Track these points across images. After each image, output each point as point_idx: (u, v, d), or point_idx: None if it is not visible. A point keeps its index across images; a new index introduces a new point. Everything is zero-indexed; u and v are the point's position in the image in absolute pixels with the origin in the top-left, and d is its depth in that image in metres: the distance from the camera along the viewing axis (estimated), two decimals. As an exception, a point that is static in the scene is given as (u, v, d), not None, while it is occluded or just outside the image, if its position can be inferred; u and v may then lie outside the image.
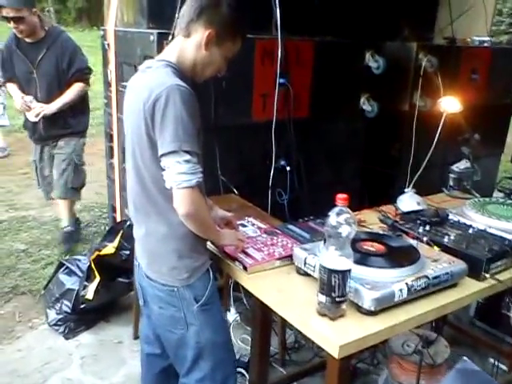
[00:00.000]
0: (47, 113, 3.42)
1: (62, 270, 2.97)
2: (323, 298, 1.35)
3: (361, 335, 1.31)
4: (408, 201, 2.21)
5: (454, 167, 2.52)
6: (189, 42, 1.56)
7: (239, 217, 1.97)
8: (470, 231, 1.86)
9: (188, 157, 1.43)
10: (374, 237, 1.69)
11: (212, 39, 1.54)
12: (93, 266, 2.80)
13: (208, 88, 2.51)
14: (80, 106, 3.58)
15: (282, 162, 2.87)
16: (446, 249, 1.70)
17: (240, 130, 2.74)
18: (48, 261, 3.57)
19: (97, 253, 2.82)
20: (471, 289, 1.59)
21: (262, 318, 2.01)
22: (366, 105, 3.22)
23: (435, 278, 1.48)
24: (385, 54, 3.18)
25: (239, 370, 2.33)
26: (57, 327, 2.81)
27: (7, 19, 3.24)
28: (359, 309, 1.39)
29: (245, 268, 1.63)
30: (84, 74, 3.52)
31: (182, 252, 1.58)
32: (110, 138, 3.24)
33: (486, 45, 3.93)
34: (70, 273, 2.92)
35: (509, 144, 4.55)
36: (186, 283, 1.58)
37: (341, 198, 1.33)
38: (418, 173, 2.43)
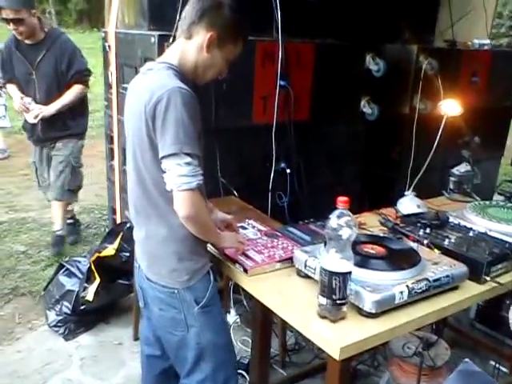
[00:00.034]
0: (46, 114, 3.41)
1: (61, 271, 2.98)
2: (324, 301, 1.35)
3: (361, 337, 1.31)
4: (408, 204, 2.22)
5: (455, 170, 2.52)
6: (190, 45, 1.56)
7: (239, 219, 1.97)
8: (471, 234, 1.86)
9: (189, 159, 1.43)
10: (375, 239, 1.69)
11: (213, 41, 1.55)
12: (93, 267, 2.80)
13: (209, 90, 2.51)
14: (79, 107, 3.58)
15: (282, 165, 2.87)
16: (446, 252, 1.70)
17: (240, 132, 2.74)
18: (48, 262, 3.58)
19: (97, 254, 2.83)
20: (472, 291, 1.59)
21: (263, 320, 2.01)
22: (367, 107, 3.22)
23: (436, 280, 1.48)
24: (385, 56, 3.18)
25: (240, 371, 2.32)
26: (57, 328, 2.81)
27: (7, 21, 3.24)
28: (360, 311, 1.39)
29: (245, 270, 1.63)
30: (83, 76, 3.51)
31: (183, 254, 1.58)
32: (110, 139, 3.24)
33: (486, 48, 3.93)
34: (70, 274, 2.92)
35: (509, 147, 4.56)
36: (187, 285, 1.58)
37: (342, 200, 1.33)
38: (419, 176, 2.44)
